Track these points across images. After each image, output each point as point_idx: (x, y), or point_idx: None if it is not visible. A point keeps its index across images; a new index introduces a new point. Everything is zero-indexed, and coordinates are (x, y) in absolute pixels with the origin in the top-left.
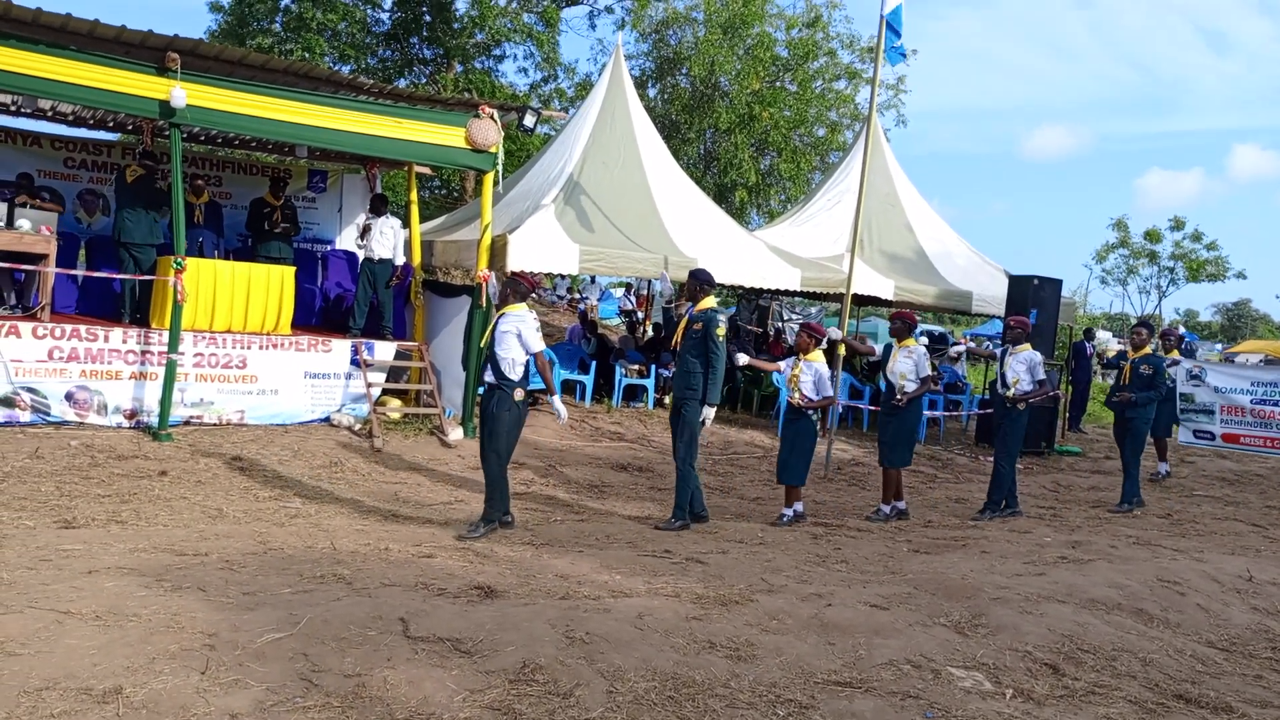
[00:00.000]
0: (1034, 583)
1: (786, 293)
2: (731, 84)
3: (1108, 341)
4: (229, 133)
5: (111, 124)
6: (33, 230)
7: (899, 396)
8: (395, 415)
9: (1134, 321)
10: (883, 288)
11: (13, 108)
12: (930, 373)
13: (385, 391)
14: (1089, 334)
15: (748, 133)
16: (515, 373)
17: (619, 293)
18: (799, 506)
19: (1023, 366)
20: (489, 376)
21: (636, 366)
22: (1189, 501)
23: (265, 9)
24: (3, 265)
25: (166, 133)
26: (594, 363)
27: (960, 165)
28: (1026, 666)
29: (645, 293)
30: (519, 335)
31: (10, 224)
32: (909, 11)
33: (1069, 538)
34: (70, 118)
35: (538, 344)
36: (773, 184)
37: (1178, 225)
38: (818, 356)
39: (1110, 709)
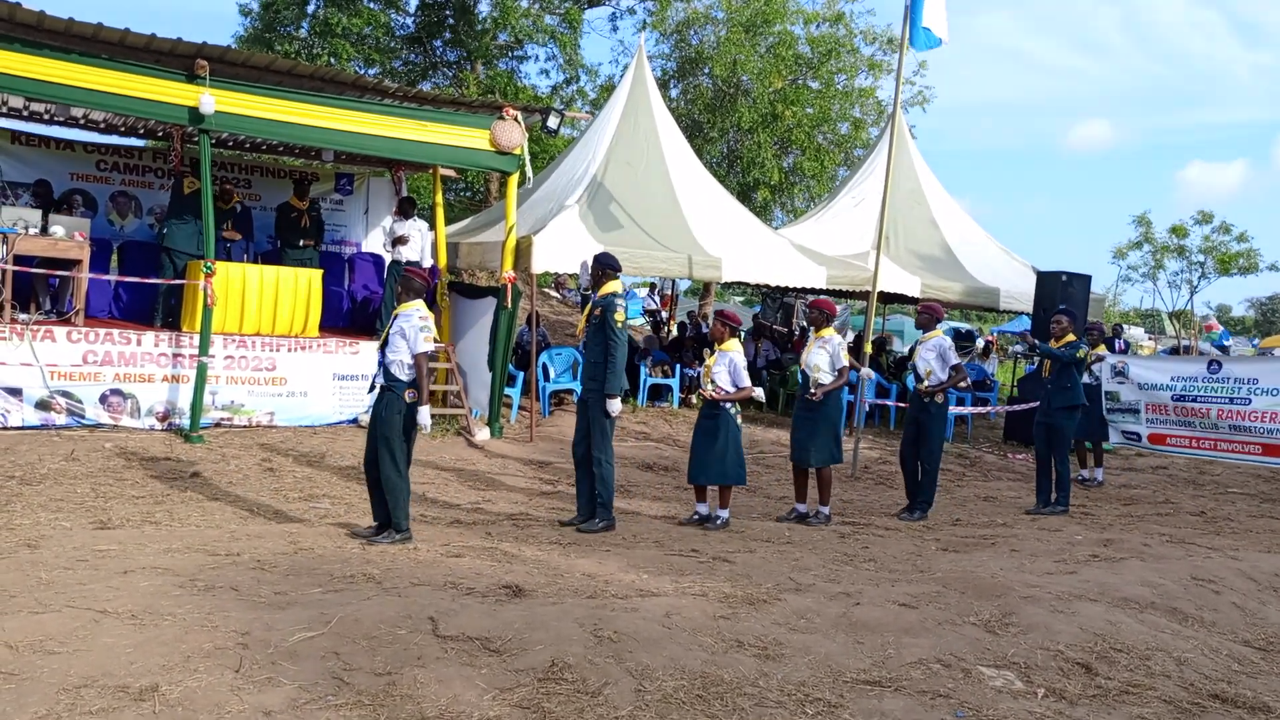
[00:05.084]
0: (1065, 581)
1: (812, 290)
2: (754, 83)
3: (1140, 338)
4: (257, 138)
5: (141, 130)
6: (66, 236)
7: (813, 390)
8: None
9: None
10: (909, 285)
11: (45, 116)
12: (846, 364)
13: None
14: (1118, 330)
15: (770, 131)
16: (406, 374)
17: (643, 293)
18: (724, 513)
19: (933, 354)
20: (380, 379)
21: (661, 366)
22: (1223, 499)
23: (292, 15)
24: (38, 271)
25: (196, 139)
26: None
27: (995, 161)
28: (1058, 666)
29: (669, 292)
30: (403, 335)
31: (44, 230)
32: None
33: (1100, 535)
34: (102, 125)
35: (420, 345)
36: (796, 182)
37: (1205, 219)
38: (733, 346)
39: (1145, 709)
